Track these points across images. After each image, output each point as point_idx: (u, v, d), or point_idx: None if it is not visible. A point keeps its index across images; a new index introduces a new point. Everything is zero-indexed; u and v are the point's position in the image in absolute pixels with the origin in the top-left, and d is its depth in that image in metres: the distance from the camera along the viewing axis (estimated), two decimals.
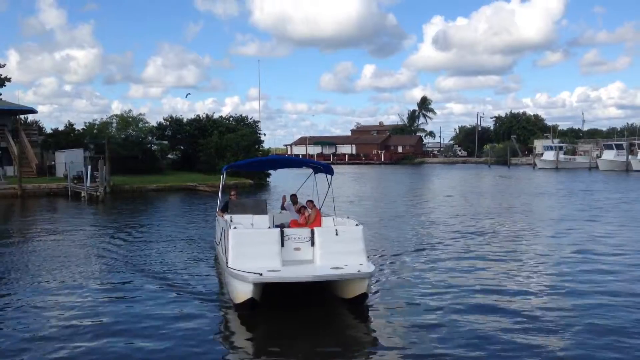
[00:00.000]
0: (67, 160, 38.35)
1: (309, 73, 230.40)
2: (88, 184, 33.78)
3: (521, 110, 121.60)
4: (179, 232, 19.38)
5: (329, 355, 7.95)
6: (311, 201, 12.98)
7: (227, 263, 10.18)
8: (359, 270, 9.75)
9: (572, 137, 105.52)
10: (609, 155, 72.92)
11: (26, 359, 7.82)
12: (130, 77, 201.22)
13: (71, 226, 21.35)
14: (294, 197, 14.50)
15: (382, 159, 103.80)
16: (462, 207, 28.40)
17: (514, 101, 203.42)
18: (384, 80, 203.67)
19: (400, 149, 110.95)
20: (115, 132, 47.17)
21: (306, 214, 12.44)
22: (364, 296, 9.95)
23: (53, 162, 43.07)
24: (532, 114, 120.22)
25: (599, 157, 75.40)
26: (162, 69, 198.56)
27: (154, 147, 50.49)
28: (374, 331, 9.06)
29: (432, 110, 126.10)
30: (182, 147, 55.49)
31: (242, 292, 9.49)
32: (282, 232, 10.59)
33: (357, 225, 11.13)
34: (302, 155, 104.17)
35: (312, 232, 10.67)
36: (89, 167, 34.95)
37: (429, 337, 8.49)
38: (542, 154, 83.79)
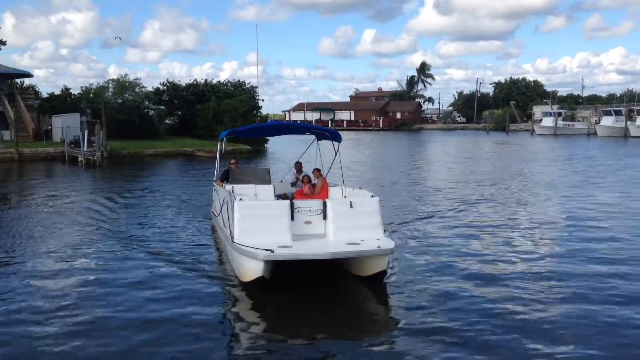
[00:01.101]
0: (64, 125, 38.18)
1: (308, 38, 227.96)
2: (85, 149, 33.75)
3: (521, 76, 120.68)
4: (176, 200, 19.16)
5: (346, 338, 7.32)
6: (318, 170, 12.25)
7: (232, 238, 9.40)
8: (378, 246, 9.00)
9: (571, 103, 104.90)
10: (607, 121, 72.67)
11: (10, 332, 7.45)
12: (127, 41, 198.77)
13: (68, 192, 21.40)
14: (298, 165, 13.86)
15: (381, 125, 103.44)
16: (463, 174, 28.50)
17: (515, 67, 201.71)
18: (383, 45, 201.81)
19: (398, 115, 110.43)
20: (112, 97, 46.86)
21: (310, 185, 11.78)
22: (382, 274, 9.22)
23: (49, 127, 42.87)
24: (532, 79, 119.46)
25: (597, 123, 75.16)
26: (160, 33, 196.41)
27: (151, 112, 50.20)
28: (394, 311, 8.38)
29: (431, 76, 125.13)
30: (180, 113, 55.26)
31: (252, 270, 8.78)
32: (292, 205, 9.87)
33: (372, 196, 10.33)
34: (301, 121, 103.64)
35: (325, 205, 9.95)
36: (86, 131, 34.81)
37: (455, 316, 7.84)
38: (540, 120, 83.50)
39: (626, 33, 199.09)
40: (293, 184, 13.43)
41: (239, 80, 57.95)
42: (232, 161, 13.98)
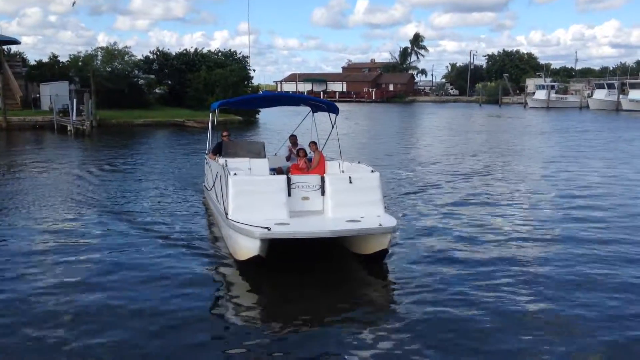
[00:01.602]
0: (52, 93, 37.57)
1: (300, 7, 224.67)
2: (74, 118, 33.29)
3: (515, 49, 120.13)
4: (166, 172, 18.72)
5: (345, 320, 7.04)
6: (314, 143, 11.77)
7: (226, 214, 9.02)
8: (380, 224, 8.63)
9: (564, 76, 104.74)
10: (600, 94, 72.70)
11: None
12: (117, 8, 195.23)
13: (56, 162, 21.12)
14: (293, 139, 13.42)
15: (373, 97, 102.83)
16: (456, 147, 28.47)
17: (509, 39, 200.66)
18: (377, 16, 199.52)
19: (391, 87, 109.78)
20: (101, 65, 46.15)
21: (306, 159, 11.34)
22: (384, 252, 8.89)
23: (38, 95, 42.22)
24: (525, 52, 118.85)
25: (590, 96, 75.15)
26: (150, 0, 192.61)
27: (141, 82, 49.61)
28: (395, 292, 8.06)
29: (424, 48, 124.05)
30: (170, 82, 54.63)
31: (247, 248, 8.42)
32: (288, 180, 9.47)
33: (372, 171, 9.93)
34: (292, 92, 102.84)
35: (323, 180, 9.58)
36: (75, 100, 34.29)
37: (457, 299, 7.55)
38: (533, 93, 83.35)
39: (620, 5, 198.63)
40: (287, 158, 13.04)
41: (230, 50, 57.46)
42: (225, 133, 13.36)
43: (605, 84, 74.90)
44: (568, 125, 43.67)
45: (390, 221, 8.88)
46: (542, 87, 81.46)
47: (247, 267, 8.61)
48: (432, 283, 8.16)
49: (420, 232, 10.92)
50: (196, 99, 47.67)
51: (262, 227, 8.16)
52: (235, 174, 9.29)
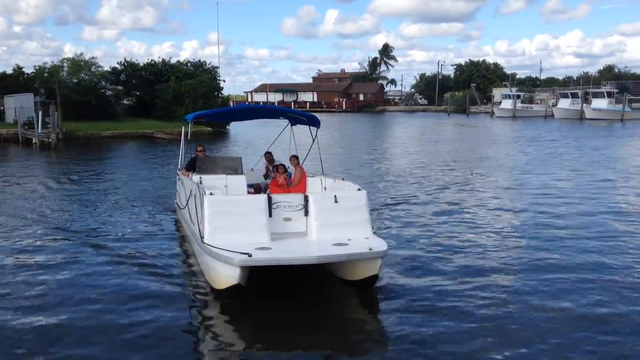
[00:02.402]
0: (17, 105, 36.75)
1: (271, 17, 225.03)
2: (39, 131, 32.56)
3: (481, 59, 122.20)
4: (136, 187, 17.99)
5: (334, 353, 6.54)
6: (295, 157, 11.13)
7: (202, 237, 8.31)
8: (370, 248, 7.99)
9: (529, 86, 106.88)
10: (564, 103, 74.38)
11: None
12: (84, 17, 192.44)
13: (20, 176, 20.59)
14: (268, 156, 12.78)
15: (344, 107, 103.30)
16: (428, 156, 28.69)
17: (475, 49, 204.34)
18: (347, 26, 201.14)
19: (361, 97, 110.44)
20: (67, 77, 45.35)
21: (285, 175, 10.76)
22: (373, 278, 8.18)
23: (2, 107, 41.27)
24: (492, 62, 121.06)
25: (554, 105, 76.83)
26: (117, 10, 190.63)
27: (108, 93, 48.88)
28: (385, 320, 7.50)
29: (393, 58, 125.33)
30: (138, 93, 54.06)
31: (225, 276, 7.72)
32: (269, 199, 8.80)
33: (359, 189, 9.33)
34: (263, 102, 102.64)
35: (306, 199, 8.92)
36: (40, 112, 33.57)
37: (449, 324, 7.10)
38: (500, 103, 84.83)
39: (583, 16, 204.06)
40: (265, 176, 12.51)
41: (199, 60, 57.63)
42: (200, 148, 12.57)
43: (569, 93, 76.72)
44: (535, 134, 44.52)
45: (380, 245, 8.25)
46: (508, 96, 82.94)
47: (224, 296, 7.91)
48: (424, 309, 7.59)
49: (405, 249, 10.50)
50: (165, 110, 47.33)
51: (242, 253, 7.47)
52: (211, 194, 8.64)
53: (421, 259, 9.94)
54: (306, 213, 8.89)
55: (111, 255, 10.10)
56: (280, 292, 8.39)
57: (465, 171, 21.87)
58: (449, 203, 15.23)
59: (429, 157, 27.33)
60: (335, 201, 8.90)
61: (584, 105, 70.99)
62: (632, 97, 74.72)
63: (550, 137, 41.26)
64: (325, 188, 10.61)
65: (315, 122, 11.98)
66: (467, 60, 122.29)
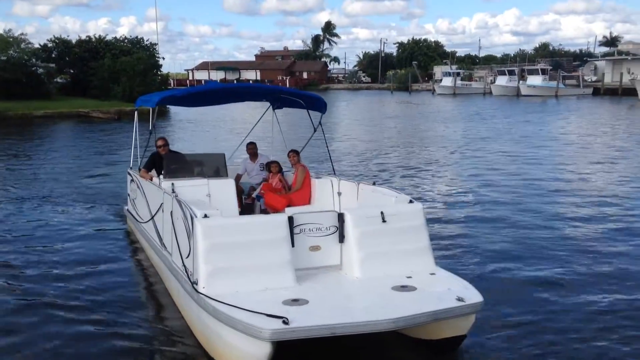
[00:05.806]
0: None
1: None
2: None
3: (423, 37, 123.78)
4: (72, 180, 15.30)
5: None
6: (295, 152, 8.64)
7: (194, 283, 5.69)
8: (460, 299, 5.36)
9: (469, 64, 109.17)
10: (501, 81, 76.44)
11: None
12: None
13: None
14: (251, 147, 9.91)
15: (287, 85, 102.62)
16: (377, 137, 28.84)
17: (418, 27, 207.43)
18: (290, 3, 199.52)
19: (305, 75, 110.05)
20: None
21: (281, 175, 8.49)
22: (460, 339, 5.70)
23: None
24: (433, 40, 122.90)
25: (492, 83, 78.85)
26: None
27: (40, 70, 46.71)
28: None
29: (336, 35, 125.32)
30: (72, 71, 52.04)
31: (246, 354, 5.00)
32: (290, 220, 6.05)
33: (411, 201, 6.66)
34: (205, 81, 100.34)
35: (341, 218, 6.28)
36: None
37: None
38: (440, 80, 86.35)
39: None
40: (237, 179, 9.26)
41: (137, 37, 55.89)
42: (160, 142, 9.18)
43: (506, 71, 78.92)
44: (474, 111, 45.59)
45: (472, 294, 5.53)
46: (448, 74, 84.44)
47: None
48: None
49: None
50: (101, 89, 46.06)
51: (272, 317, 4.81)
52: (205, 216, 5.80)
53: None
54: (341, 239, 6.30)
55: (30, 295, 7.02)
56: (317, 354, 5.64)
57: (419, 150, 22.16)
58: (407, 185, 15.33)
59: (379, 137, 27.54)
60: (383, 220, 6.25)
61: (520, 82, 73.16)
62: (565, 74, 77.50)
63: (492, 114, 42.31)
64: (339, 193, 8.06)
65: (319, 106, 9.33)
66: (410, 39, 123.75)
